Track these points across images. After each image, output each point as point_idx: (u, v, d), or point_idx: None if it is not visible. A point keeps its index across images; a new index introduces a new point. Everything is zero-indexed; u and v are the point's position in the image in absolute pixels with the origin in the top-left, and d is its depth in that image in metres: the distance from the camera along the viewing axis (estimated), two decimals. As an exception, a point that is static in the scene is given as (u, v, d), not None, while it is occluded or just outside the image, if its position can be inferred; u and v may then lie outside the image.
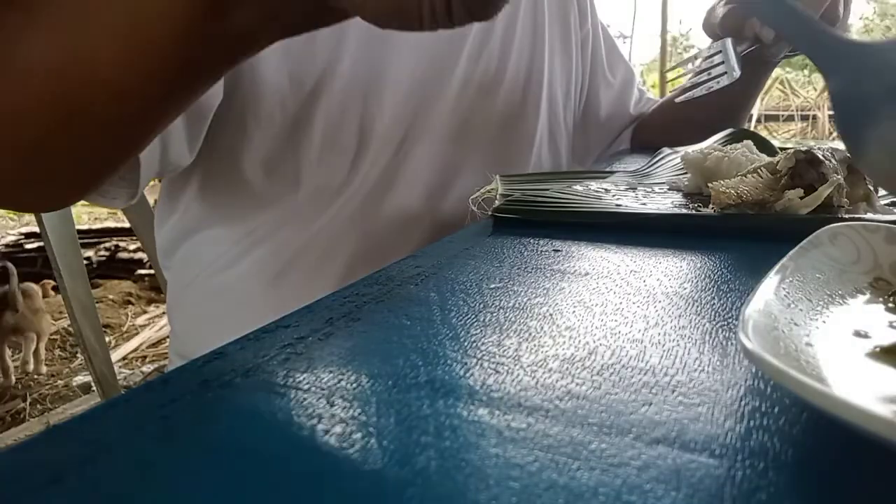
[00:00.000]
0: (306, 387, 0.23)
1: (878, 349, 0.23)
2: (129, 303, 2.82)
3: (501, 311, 0.30)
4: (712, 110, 0.83)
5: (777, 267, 0.26)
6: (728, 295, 0.32)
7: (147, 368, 2.21)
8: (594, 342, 0.26)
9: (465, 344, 0.27)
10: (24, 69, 0.34)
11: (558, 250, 0.41)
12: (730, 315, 0.29)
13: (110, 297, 2.85)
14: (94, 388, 0.78)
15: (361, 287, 0.34)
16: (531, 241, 0.43)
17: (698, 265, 0.37)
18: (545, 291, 0.33)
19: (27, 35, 0.33)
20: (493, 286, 0.34)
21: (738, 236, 0.42)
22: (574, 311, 0.30)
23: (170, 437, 0.20)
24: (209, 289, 0.67)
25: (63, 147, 0.36)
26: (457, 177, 0.71)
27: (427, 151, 0.69)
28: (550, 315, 0.30)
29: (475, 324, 0.29)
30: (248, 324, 0.30)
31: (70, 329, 2.40)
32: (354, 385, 0.23)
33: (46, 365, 2.23)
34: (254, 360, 0.25)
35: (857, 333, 0.24)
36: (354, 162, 0.65)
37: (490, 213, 0.49)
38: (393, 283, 0.35)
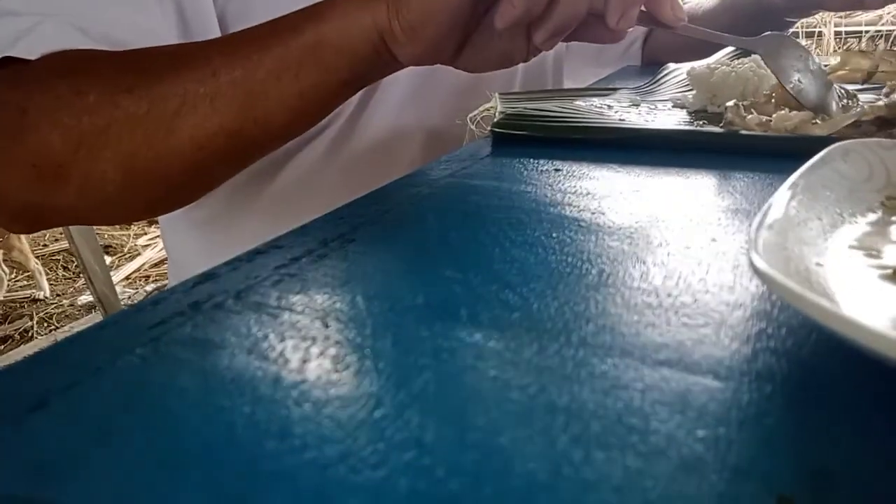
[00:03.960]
0: (300, 308, 0.22)
1: (890, 270, 0.22)
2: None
3: (500, 231, 0.30)
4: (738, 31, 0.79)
5: (787, 184, 0.25)
6: (734, 215, 0.31)
7: (150, 288, 2.22)
8: (595, 263, 0.26)
9: (463, 265, 0.26)
10: (204, 135, 0.40)
11: (559, 169, 0.39)
12: (736, 235, 0.28)
13: (108, 218, 2.83)
14: (97, 307, 0.78)
15: (356, 208, 0.33)
16: (531, 160, 0.42)
17: (703, 184, 0.36)
18: (546, 211, 0.32)
19: (195, 108, 0.39)
20: (491, 206, 0.33)
21: (746, 155, 0.41)
22: (575, 232, 0.29)
23: (159, 359, 0.19)
24: (200, 218, 0.66)
25: (229, 172, 0.45)
26: (439, 91, 0.68)
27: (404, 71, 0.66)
28: (551, 235, 0.29)
29: (473, 245, 0.28)
30: (241, 249, 0.29)
31: (70, 250, 2.40)
32: (350, 307, 0.22)
33: (51, 285, 2.24)
34: (246, 281, 0.25)
35: (869, 253, 0.23)
36: None
37: (489, 129, 0.47)
38: (389, 204, 0.34)
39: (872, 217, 0.27)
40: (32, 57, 0.43)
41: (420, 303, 0.23)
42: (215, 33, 0.53)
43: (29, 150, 0.41)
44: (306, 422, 0.16)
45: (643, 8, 0.42)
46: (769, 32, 0.50)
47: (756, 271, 0.18)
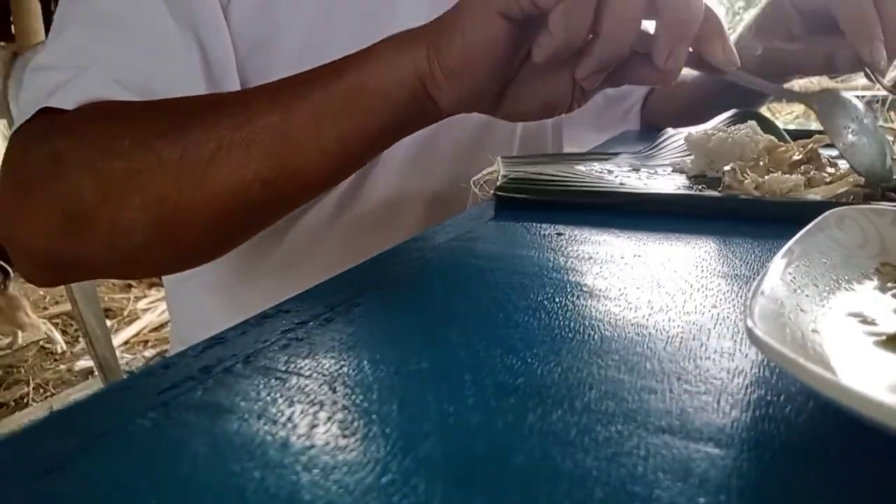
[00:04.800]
0: (308, 373, 0.23)
1: (884, 336, 0.23)
2: (130, 286, 2.81)
3: (504, 295, 0.30)
4: (733, 95, 0.79)
5: (783, 251, 0.26)
6: (734, 280, 0.32)
7: (149, 353, 2.21)
8: (598, 328, 0.26)
9: (467, 329, 0.26)
10: (238, 181, 0.39)
11: (561, 234, 0.40)
12: (735, 300, 0.29)
13: (111, 280, 2.84)
14: (96, 372, 0.78)
15: (361, 271, 0.34)
16: (534, 224, 0.43)
17: (703, 249, 0.37)
18: (548, 276, 0.33)
19: (229, 154, 0.39)
20: (495, 270, 0.34)
21: (745, 219, 0.42)
22: (577, 297, 0.30)
23: (170, 424, 0.19)
24: (206, 282, 0.67)
25: (259, 226, 0.45)
26: (440, 155, 0.70)
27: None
28: (553, 300, 0.29)
29: (477, 309, 0.29)
30: (246, 313, 0.29)
31: (71, 313, 2.41)
32: (356, 371, 0.23)
33: (48, 350, 2.24)
34: (254, 345, 0.25)
35: (864, 320, 0.24)
36: None
37: (492, 192, 0.48)
38: (393, 268, 0.35)
39: (868, 283, 0.27)
40: (68, 107, 0.44)
41: (425, 367, 0.23)
42: (236, 88, 0.55)
43: (59, 195, 0.41)
44: (315, 487, 0.16)
45: (692, 49, 0.38)
46: (825, 88, 0.49)
47: (752, 338, 0.18)
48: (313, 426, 0.19)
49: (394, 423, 0.19)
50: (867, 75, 0.56)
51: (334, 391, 0.21)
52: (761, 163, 0.50)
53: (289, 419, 0.19)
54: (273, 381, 0.22)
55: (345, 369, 0.23)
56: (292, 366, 0.23)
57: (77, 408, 0.21)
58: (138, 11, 0.49)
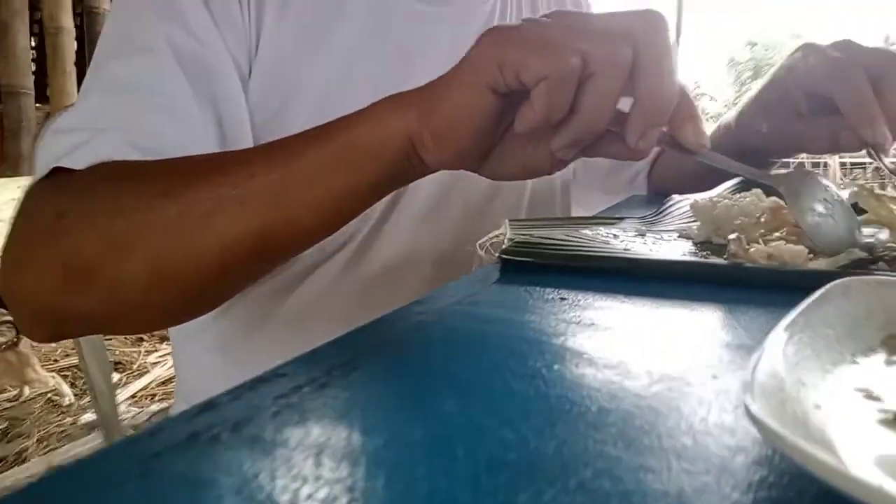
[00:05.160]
0: (294, 444, 0.22)
1: (890, 414, 0.22)
2: (141, 340, 2.82)
3: (502, 361, 0.30)
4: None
5: (785, 323, 0.25)
6: (736, 350, 0.31)
7: (155, 407, 2.20)
8: (595, 399, 0.26)
9: (464, 397, 0.26)
10: (233, 236, 0.40)
11: (565, 298, 0.40)
12: (737, 371, 0.28)
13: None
14: (99, 428, 0.77)
15: (363, 334, 0.34)
16: (537, 288, 0.42)
17: (707, 317, 0.36)
18: (549, 342, 0.32)
19: (226, 210, 0.40)
20: (495, 335, 0.33)
21: (750, 287, 0.41)
22: (577, 364, 0.29)
23: (148, 498, 0.19)
24: (213, 340, 0.67)
25: (254, 277, 0.47)
26: (449, 216, 0.70)
27: (418, 195, 0.68)
28: (552, 368, 0.29)
29: (475, 375, 0.28)
30: (250, 372, 0.29)
31: (80, 366, 2.42)
32: (345, 442, 0.22)
33: (54, 403, 2.23)
34: (245, 412, 0.25)
35: (869, 396, 0.23)
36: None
37: (497, 255, 0.48)
38: (395, 331, 0.34)
39: (874, 357, 0.27)
40: (79, 167, 0.45)
41: (417, 439, 0.22)
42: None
43: (61, 251, 0.42)
44: (291, 569, 0.16)
45: (664, 129, 0.40)
46: (794, 169, 0.49)
47: (751, 417, 0.18)
48: None
49: (378, 499, 0.19)
50: (870, 155, 0.56)
51: (319, 465, 0.21)
52: (762, 219, 0.49)
53: (268, 496, 0.19)
54: (258, 452, 0.21)
55: (332, 440, 0.22)
56: (279, 436, 0.23)
57: (61, 475, 0.20)
58: (158, 81, 0.51)
